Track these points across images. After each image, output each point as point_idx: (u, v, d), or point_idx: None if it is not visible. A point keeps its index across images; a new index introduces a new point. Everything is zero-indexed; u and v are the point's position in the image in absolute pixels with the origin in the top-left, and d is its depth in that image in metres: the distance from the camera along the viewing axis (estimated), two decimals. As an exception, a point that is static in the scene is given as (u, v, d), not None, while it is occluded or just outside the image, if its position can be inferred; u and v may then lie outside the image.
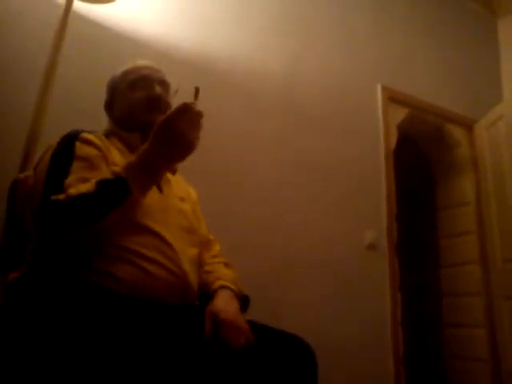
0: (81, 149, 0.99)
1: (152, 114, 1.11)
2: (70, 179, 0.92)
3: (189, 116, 0.92)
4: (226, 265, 1.21)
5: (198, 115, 0.94)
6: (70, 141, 1.01)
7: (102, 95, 1.23)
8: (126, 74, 1.20)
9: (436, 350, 3.02)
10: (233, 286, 1.08)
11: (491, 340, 2.69)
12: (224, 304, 1.00)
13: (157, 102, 1.15)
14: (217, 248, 1.26)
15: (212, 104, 2.04)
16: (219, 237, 1.30)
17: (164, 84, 1.21)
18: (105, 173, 0.94)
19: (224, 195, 2.00)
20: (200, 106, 0.93)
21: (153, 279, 0.95)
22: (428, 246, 3.24)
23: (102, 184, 0.89)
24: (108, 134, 1.15)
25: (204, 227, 1.26)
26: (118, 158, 1.06)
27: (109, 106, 1.23)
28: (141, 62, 1.22)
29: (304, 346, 0.99)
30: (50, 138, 1.06)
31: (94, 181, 0.90)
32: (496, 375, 2.62)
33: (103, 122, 1.22)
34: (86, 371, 0.76)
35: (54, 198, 0.88)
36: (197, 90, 0.95)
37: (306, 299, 2.11)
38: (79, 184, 0.91)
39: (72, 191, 0.89)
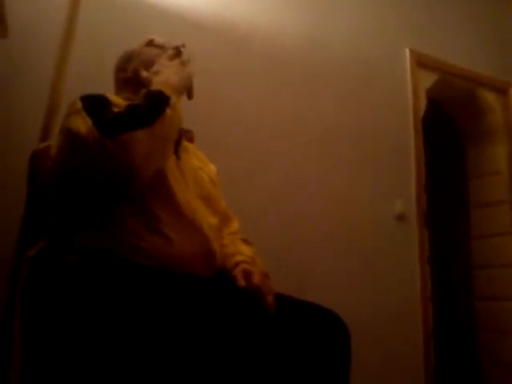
0: (113, 99, 0.98)
1: None
2: None
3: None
4: (245, 241, 1.19)
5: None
6: (99, 94, 0.98)
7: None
8: (143, 42, 1.22)
9: (467, 323, 2.97)
10: (252, 262, 1.07)
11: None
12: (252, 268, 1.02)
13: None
14: (235, 225, 1.24)
15: (231, 72, 2.00)
16: (238, 209, 1.27)
17: None
18: None
19: (244, 166, 1.95)
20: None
21: (178, 249, 0.93)
22: (459, 216, 3.15)
23: (145, 95, 0.93)
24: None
25: (223, 203, 1.24)
26: None
27: (123, 68, 1.21)
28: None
29: (337, 319, 0.98)
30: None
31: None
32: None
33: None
34: (118, 348, 0.75)
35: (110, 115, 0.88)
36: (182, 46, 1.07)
37: (331, 272, 2.07)
38: None
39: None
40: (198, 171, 1.14)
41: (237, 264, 1.05)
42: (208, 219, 1.05)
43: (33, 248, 1.00)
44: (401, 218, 2.36)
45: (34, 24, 1.58)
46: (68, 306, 0.80)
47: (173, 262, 0.92)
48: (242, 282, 0.95)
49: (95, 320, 0.77)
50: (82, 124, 0.85)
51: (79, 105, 0.91)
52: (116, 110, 0.90)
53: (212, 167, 1.26)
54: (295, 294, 1.03)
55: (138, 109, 0.89)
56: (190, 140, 1.22)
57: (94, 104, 0.91)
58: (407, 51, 2.59)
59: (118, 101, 1.00)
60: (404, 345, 2.20)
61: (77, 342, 0.77)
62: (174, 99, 0.94)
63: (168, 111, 0.90)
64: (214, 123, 1.88)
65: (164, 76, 1.01)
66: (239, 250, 1.12)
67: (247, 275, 0.98)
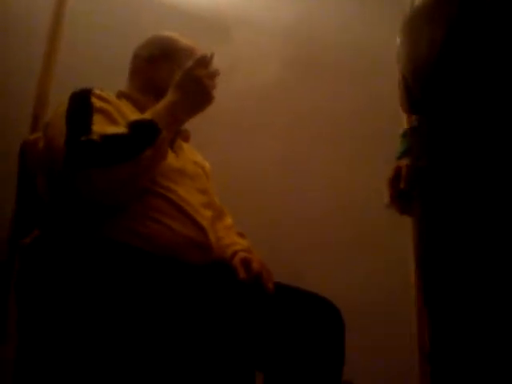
0: (97, 102, 0.98)
1: None
2: (96, 128, 0.90)
3: (209, 70, 1.01)
4: (240, 234, 1.22)
5: (215, 72, 1.04)
6: (84, 95, 0.99)
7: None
8: (187, 50, 1.17)
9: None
10: (249, 251, 1.10)
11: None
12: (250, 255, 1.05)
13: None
14: (229, 220, 1.26)
15: (222, 58, 1.98)
16: (227, 197, 1.29)
17: None
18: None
19: (234, 149, 1.97)
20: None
21: (177, 236, 0.96)
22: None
23: (133, 125, 0.92)
24: (119, 96, 1.13)
25: (216, 198, 1.26)
26: (132, 117, 1.02)
27: (152, 60, 1.16)
28: (195, 45, 1.21)
29: (332, 307, 0.98)
30: (59, 98, 1.02)
31: (123, 125, 0.92)
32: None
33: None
34: (111, 333, 0.78)
35: (84, 138, 0.87)
36: (211, 57, 1.04)
37: (324, 261, 2.05)
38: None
39: (103, 132, 0.89)
40: (195, 166, 1.16)
41: (235, 253, 1.06)
42: (204, 211, 1.07)
43: (27, 237, 1.01)
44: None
45: (21, 17, 1.55)
46: (64, 291, 0.82)
47: (171, 249, 0.95)
48: (242, 274, 0.97)
49: (93, 305, 0.80)
50: (59, 137, 0.90)
51: (64, 107, 0.96)
52: (95, 127, 0.89)
53: (206, 164, 1.28)
54: (290, 280, 1.04)
55: (114, 142, 0.87)
56: (186, 139, 1.23)
57: (76, 111, 0.94)
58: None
59: (108, 101, 1.00)
60: (398, 330, 2.20)
61: (74, 325, 0.79)
62: (166, 133, 0.92)
63: (147, 152, 0.88)
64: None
65: (175, 97, 0.98)
66: (236, 241, 1.15)
67: (247, 263, 1.00)
